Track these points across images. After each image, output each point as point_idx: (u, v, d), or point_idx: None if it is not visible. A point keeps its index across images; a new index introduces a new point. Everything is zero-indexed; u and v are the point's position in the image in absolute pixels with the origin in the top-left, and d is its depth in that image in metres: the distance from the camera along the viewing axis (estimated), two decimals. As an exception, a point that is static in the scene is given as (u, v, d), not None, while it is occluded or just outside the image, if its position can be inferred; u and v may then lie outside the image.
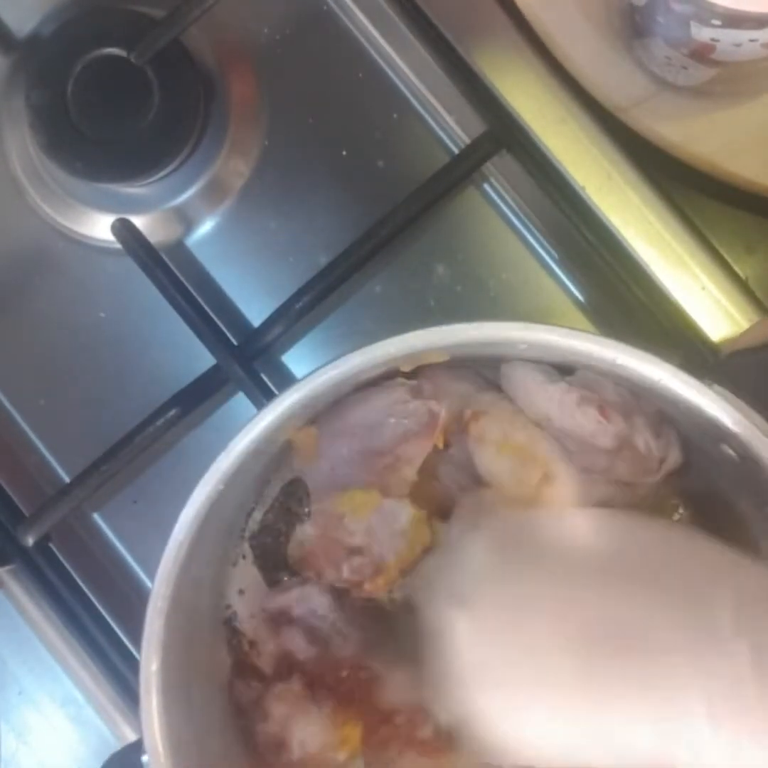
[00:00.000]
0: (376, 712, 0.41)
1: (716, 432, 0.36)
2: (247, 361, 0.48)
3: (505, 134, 0.48)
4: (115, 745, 0.49)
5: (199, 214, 0.52)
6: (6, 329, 0.53)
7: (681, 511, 0.43)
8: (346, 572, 0.41)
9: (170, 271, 0.49)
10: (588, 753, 0.34)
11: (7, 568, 0.49)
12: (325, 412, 0.42)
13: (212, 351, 0.48)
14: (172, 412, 0.48)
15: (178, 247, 0.52)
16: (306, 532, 0.42)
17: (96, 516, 0.52)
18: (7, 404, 0.52)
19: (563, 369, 0.41)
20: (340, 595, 0.42)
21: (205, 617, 0.42)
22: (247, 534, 0.44)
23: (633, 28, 0.45)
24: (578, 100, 0.47)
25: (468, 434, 0.41)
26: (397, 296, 0.51)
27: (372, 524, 0.40)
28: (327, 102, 0.52)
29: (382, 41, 0.51)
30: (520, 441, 0.40)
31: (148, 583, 0.51)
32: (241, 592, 0.44)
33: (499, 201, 0.51)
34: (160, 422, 0.48)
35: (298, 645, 0.41)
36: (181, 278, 0.49)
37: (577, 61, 0.46)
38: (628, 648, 0.33)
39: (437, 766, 0.39)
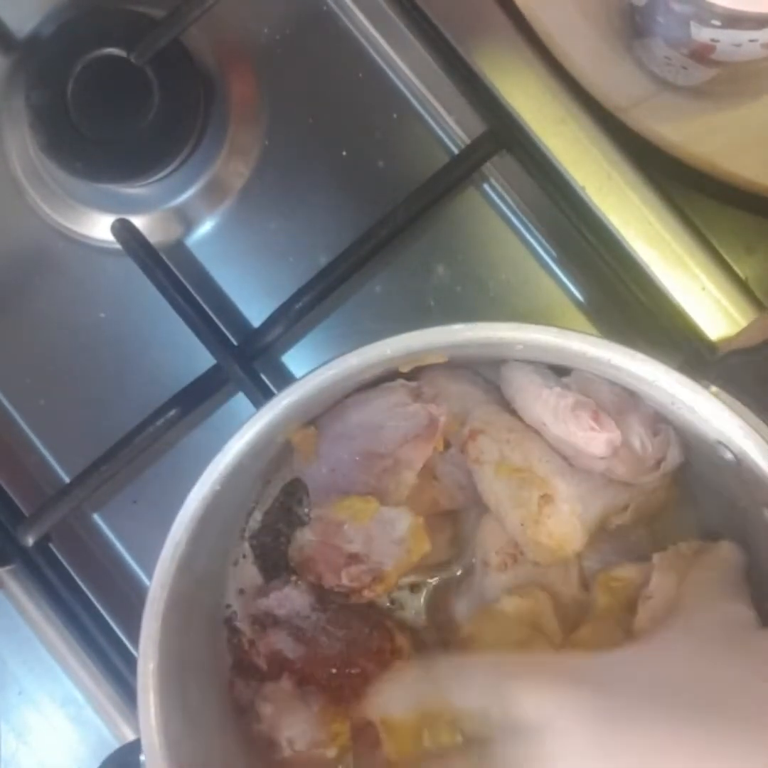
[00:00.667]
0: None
1: (713, 433, 0.36)
2: (247, 361, 0.48)
3: (505, 134, 0.48)
4: (115, 745, 0.49)
5: (199, 214, 0.52)
6: (6, 329, 0.53)
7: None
8: (345, 579, 0.41)
9: (170, 272, 0.49)
10: None
11: (7, 568, 0.49)
12: (325, 413, 0.42)
13: (212, 351, 0.48)
14: (172, 412, 0.48)
15: (178, 248, 0.52)
16: (306, 537, 0.42)
17: (96, 516, 0.52)
18: (7, 404, 0.52)
19: (560, 369, 0.41)
20: (324, 594, 0.42)
21: (205, 616, 0.42)
22: (247, 534, 0.45)
23: (633, 29, 0.45)
24: (578, 101, 0.47)
25: (466, 454, 0.41)
26: (397, 296, 0.51)
27: (371, 532, 0.41)
28: (327, 102, 0.52)
29: (382, 41, 0.51)
30: (517, 462, 0.40)
31: (148, 583, 0.51)
32: (241, 591, 0.44)
33: (498, 201, 0.51)
34: (160, 422, 0.48)
35: (286, 644, 0.42)
36: (181, 278, 0.49)
37: (577, 61, 0.46)
38: None
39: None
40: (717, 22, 0.38)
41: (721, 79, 0.43)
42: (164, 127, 0.49)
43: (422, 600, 0.45)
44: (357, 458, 0.42)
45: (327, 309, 0.50)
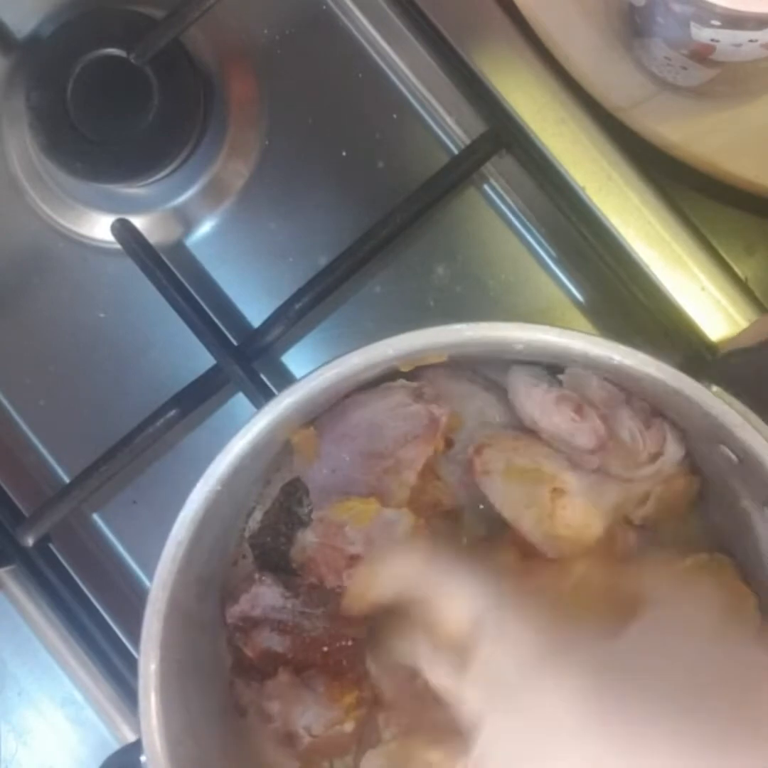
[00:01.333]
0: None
1: (715, 433, 0.36)
2: (247, 361, 0.48)
3: (504, 135, 0.48)
4: (115, 746, 0.49)
5: (199, 215, 0.52)
6: (6, 329, 0.53)
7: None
8: (346, 580, 0.41)
9: (170, 272, 0.49)
10: None
11: (7, 568, 0.49)
12: (325, 413, 0.42)
13: (212, 351, 0.48)
14: (172, 413, 0.48)
15: (178, 248, 0.52)
16: (307, 538, 0.42)
17: (96, 516, 0.52)
18: (6, 404, 0.52)
19: (559, 369, 0.41)
20: (289, 581, 0.42)
21: (206, 617, 0.42)
22: (247, 534, 0.44)
23: (633, 29, 0.45)
24: (578, 101, 0.47)
25: (474, 471, 0.41)
26: (397, 296, 0.51)
27: (371, 533, 0.41)
28: (327, 102, 0.52)
29: (381, 41, 0.51)
30: (523, 464, 0.40)
31: (148, 584, 0.51)
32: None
33: (498, 201, 0.51)
34: (159, 423, 0.48)
35: (272, 640, 0.42)
36: (181, 279, 0.49)
37: (577, 62, 0.46)
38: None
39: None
40: (717, 23, 0.38)
41: (721, 80, 0.43)
42: (164, 127, 0.49)
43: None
44: (358, 458, 0.42)
45: (327, 309, 0.50)
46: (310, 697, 0.40)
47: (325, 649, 0.41)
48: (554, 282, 0.50)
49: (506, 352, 0.38)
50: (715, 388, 0.35)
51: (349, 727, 0.41)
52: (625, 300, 0.48)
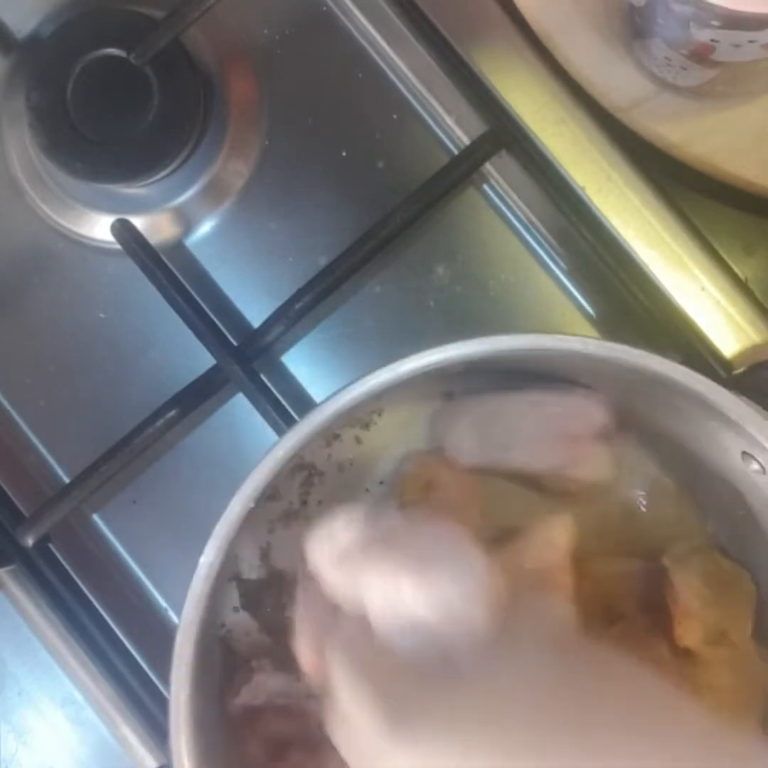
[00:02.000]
0: None
1: (739, 443, 0.36)
2: (247, 361, 0.48)
3: (504, 135, 0.48)
4: (115, 746, 0.49)
5: (199, 215, 0.52)
6: (6, 329, 0.53)
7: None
8: None
9: (170, 272, 0.49)
10: None
11: (6, 568, 0.49)
12: None
13: (212, 351, 0.48)
14: (172, 413, 0.48)
15: (178, 248, 0.52)
16: None
17: (96, 516, 0.52)
18: (6, 405, 0.52)
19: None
20: (289, 662, 0.40)
21: (206, 637, 0.40)
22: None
23: (633, 29, 0.45)
24: (578, 101, 0.47)
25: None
26: (396, 297, 0.51)
27: None
28: (327, 102, 0.52)
29: (381, 42, 0.50)
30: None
31: (148, 584, 0.51)
32: (235, 609, 0.43)
33: (498, 202, 0.51)
34: (159, 423, 0.48)
35: (279, 727, 0.40)
36: (181, 279, 0.49)
37: (577, 62, 0.46)
38: None
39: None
40: (716, 23, 0.38)
41: (720, 80, 0.43)
42: (164, 127, 0.49)
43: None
44: None
45: (327, 309, 0.50)
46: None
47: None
48: (554, 282, 0.50)
49: (524, 362, 0.38)
50: (745, 398, 0.35)
51: None
52: (624, 300, 0.48)
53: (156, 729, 0.47)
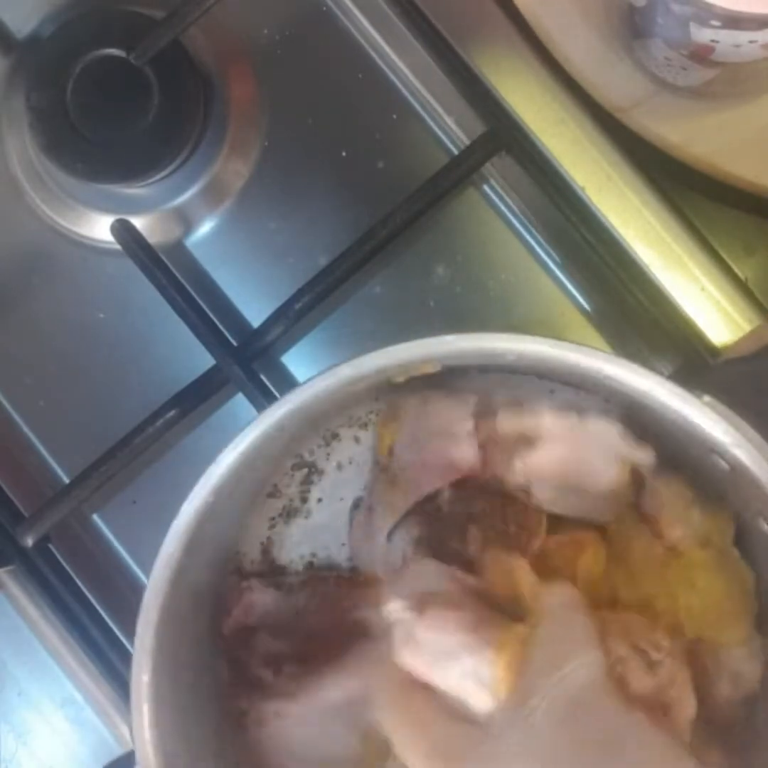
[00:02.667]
0: None
1: (706, 442, 0.36)
2: (247, 361, 0.48)
3: (504, 135, 0.48)
4: (114, 746, 0.49)
5: (199, 215, 0.52)
6: (6, 329, 0.53)
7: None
8: None
9: (169, 272, 0.49)
10: None
11: (6, 569, 0.49)
12: None
13: (211, 352, 0.48)
14: (172, 413, 0.48)
15: (178, 248, 0.52)
16: None
17: (95, 517, 0.52)
18: (6, 405, 0.52)
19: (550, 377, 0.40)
20: (279, 580, 0.42)
21: (201, 631, 0.41)
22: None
23: (632, 29, 0.45)
24: (578, 101, 0.47)
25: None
26: (396, 297, 0.51)
27: None
28: (327, 102, 0.52)
29: (381, 42, 0.51)
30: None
31: (147, 584, 0.51)
32: None
33: (498, 202, 0.51)
34: (159, 423, 0.48)
35: (272, 644, 0.41)
36: (181, 279, 0.49)
37: (577, 62, 0.46)
38: None
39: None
40: (716, 23, 0.38)
41: (720, 80, 0.43)
42: (164, 128, 0.49)
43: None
44: None
45: (327, 309, 0.50)
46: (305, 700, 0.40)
47: (327, 640, 0.41)
48: (554, 282, 0.50)
49: (500, 363, 0.38)
50: (707, 397, 0.35)
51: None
52: (624, 301, 0.48)
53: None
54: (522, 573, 0.38)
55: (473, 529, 0.40)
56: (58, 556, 0.50)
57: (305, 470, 0.44)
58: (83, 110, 0.49)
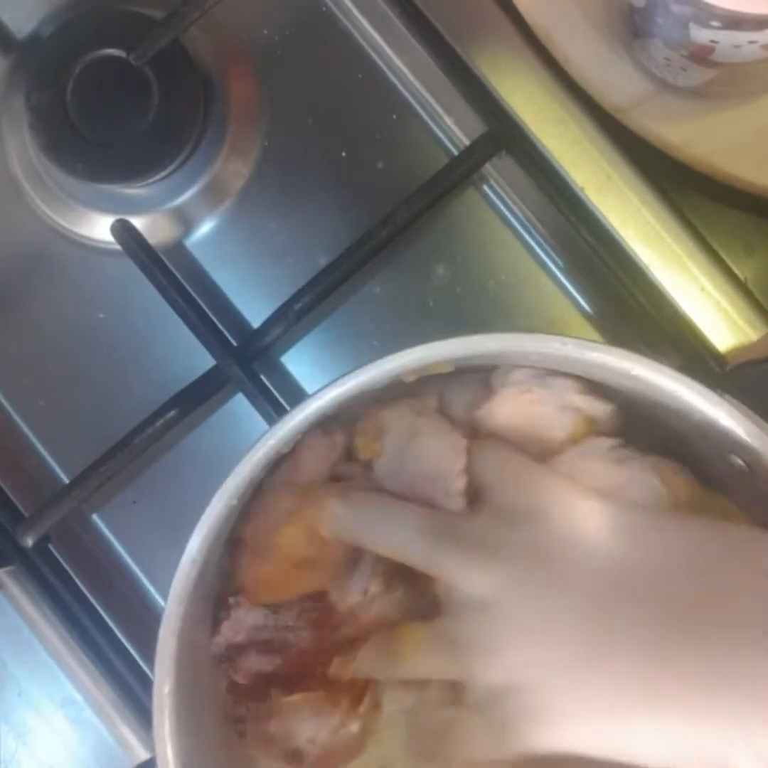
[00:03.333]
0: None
1: (726, 443, 0.36)
2: (247, 362, 0.48)
3: (504, 135, 0.48)
4: (114, 746, 0.49)
5: (199, 215, 0.52)
6: (6, 329, 0.53)
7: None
8: None
9: (169, 272, 0.49)
10: (639, 744, 0.31)
11: (6, 569, 0.49)
12: None
13: (211, 352, 0.48)
14: (172, 413, 0.48)
15: (178, 248, 0.52)
16: None
17: (95, 517, 0.52)
18: (6, 405, 0.52)
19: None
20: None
21: (205, 637, 0.41)
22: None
23: (632, 30, 0.45)
24: (578, 102, 0.47)
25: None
26: (396, 297, 0.51)
27: None
28: (327, 102, 0.52)
29: (381, 42, 0.51)
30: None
31: (148, 584, 0.51)
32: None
33: (498, 202, 0.51)
34: (159, 423, 0.48)
35: (261, 662, 0.40)
36: (181, 279, 0.49)
37: (577, 63, 0.46)
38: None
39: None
40: (716, 24, 0.38)
41: (720, 81, 0.43)
42: (164, 128, 0.49)
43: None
44: None
45: (326, 310, 0.50)
46: (308, 709, 0.39)
47: (315, 658, 0.40)
48: (554, 283, 0.50)
49: (519, 361, 0.38)
50: (728, 397, 0.35)
51: (355, 727, 0.40)
52: (624, 301, 0.48)
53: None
54: None
55: None
56: (58, 556, 0.50)
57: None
58: (83, 110, 0.49)
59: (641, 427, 0.41)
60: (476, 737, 0.35)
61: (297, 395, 0.51)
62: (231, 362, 0.48)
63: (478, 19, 0.48)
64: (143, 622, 0.50)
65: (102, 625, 0.49)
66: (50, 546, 0.50)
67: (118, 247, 0.49)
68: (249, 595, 0.40)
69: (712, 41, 0.39)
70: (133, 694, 0.48)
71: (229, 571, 0.40)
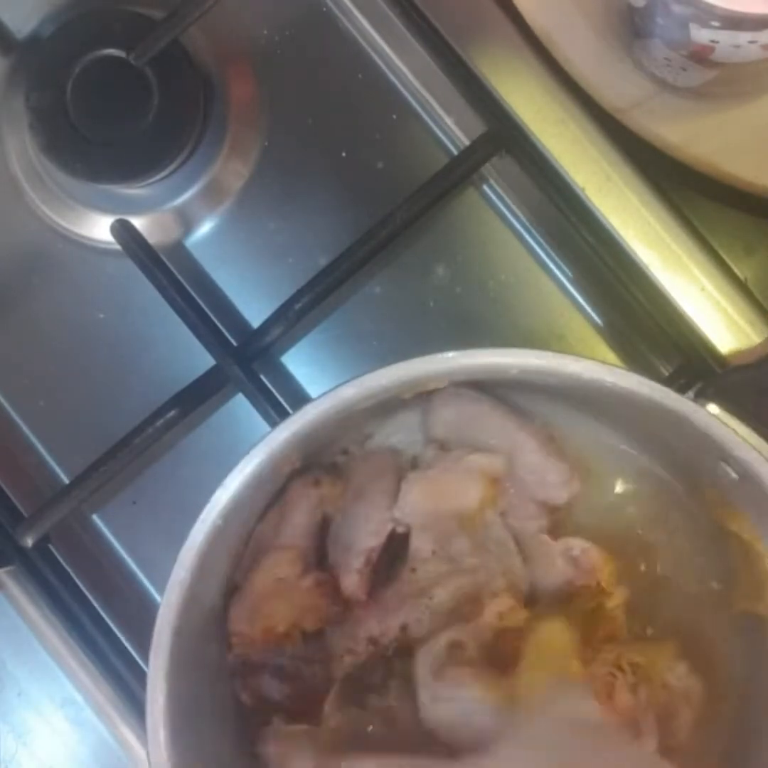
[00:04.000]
0: None
1: (715, 451, 0.36)
2: (247, 362, 0.48)
3: (504, 135, 0.48)
4: (114, 746, 0.49)
5: (199, 215, 0.52)
6: (6, 329, 0.53)
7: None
8: None
9: (169, 272, 0.49)
10: None
11: (6, 569, 0.49)
12: None
13: (211, 352, 0.48)
14: (172, 413, 0.48)
15: (178, 248, 0.52)
16: None
17: (95, 517, 0.52)
18: (6, 405, 0.52)
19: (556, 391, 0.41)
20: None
21: (214, 655, 0.40)
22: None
23: (632, 30, 0.45)
24: (577, 102, 0.47)
25: None
26: (396, 297, 0.51)
27: None
28: (327, 102, 0.52)
29: (381, 42, 0.51)
30: None
31: (148, 584, 0.51)
32: None
33: (498, 202, 0.51)
34: (159, 423, 0.48)
35: (271, 687, 0.40)
36: (181, 279, 0.49)
37: (577, 63, 0.46)
38: None
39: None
40: (716, 24, 0.38)
41: (720, 81, 0.43)
42: (164, 128, 0.49)
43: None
44: None
45: (326, 310, 0.50)
46: (308, 743, 0.39)
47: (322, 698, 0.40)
48: (554, 283, 0.50)
49: (504, 377, 0.38)
50: (711, 405, 0.35)
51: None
52: (624, 300, 0.48)
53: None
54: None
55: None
56: (58, 556, 0.50)
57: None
58: (83, 110, 0.49)
59: (642, 437, 0.41)
60: None
61: (297, 395, 0.51)
62: (231, 362, 0.48)
63: (478, 19, 0.48)
64: (143, 622, 0.50)
65: (102, 625, 0.49)
66: (50, 546, 0.50)
67: (118, 247, 0.49)
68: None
69: (712, 41, 0.39)
70: (133, 694, 0.48)
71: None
